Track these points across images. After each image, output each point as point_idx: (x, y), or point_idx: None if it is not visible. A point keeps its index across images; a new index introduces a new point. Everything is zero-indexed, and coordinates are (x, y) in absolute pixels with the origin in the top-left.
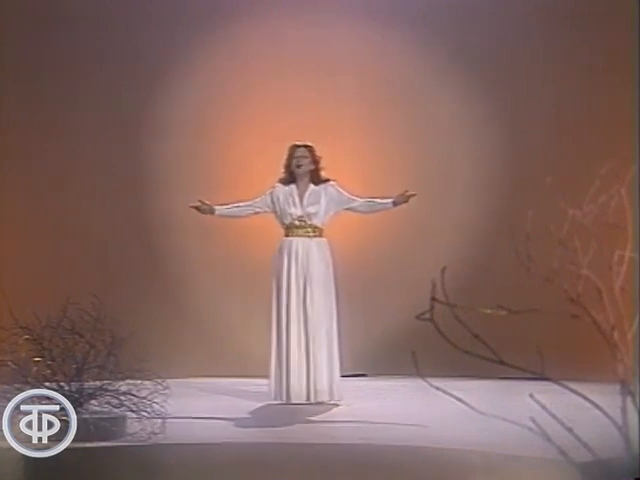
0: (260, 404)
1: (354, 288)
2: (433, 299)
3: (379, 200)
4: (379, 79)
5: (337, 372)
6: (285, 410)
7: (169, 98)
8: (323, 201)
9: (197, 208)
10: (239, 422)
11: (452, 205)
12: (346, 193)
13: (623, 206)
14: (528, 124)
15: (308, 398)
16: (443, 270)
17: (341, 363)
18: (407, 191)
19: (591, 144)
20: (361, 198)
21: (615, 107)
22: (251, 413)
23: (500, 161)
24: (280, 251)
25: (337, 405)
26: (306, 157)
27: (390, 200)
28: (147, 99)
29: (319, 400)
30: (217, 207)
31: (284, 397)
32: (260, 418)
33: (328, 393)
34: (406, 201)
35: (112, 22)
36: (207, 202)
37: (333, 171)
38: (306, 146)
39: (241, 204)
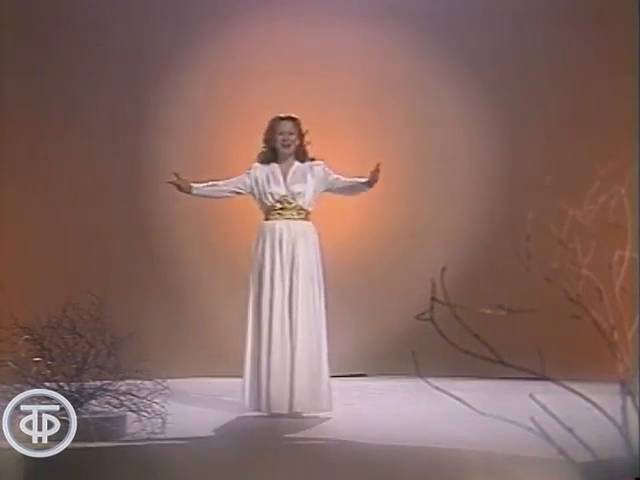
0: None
1: (354, 287)
2: (433, 299)
3: (358, 180)
4: (379, 79)
5: (326, 378)
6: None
7: (169, 98)
8: (310, 180)
9: (175, 184)
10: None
11: (452, 205)
12: (332, 172)
13: (623, 206)
14: (528, 124)
15: (290, 408)
16: (443, 270)
17: (330, 366)
18: (379, 164)
19: (591, 144)
20: (343, 177)
21: (615, 107)
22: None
23: (500, 161)
24: (261, 237)
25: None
26: (293, 133)
27: (364, 180)
28: (147, 99)
29: (300, 411)
30: (194, 185)
31: (263, 407)
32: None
33: (311, 403)
34: (376, 179)
35: (112, 22)
36: (182, 178)
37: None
38: (293, 119)
39: (219, 182)
